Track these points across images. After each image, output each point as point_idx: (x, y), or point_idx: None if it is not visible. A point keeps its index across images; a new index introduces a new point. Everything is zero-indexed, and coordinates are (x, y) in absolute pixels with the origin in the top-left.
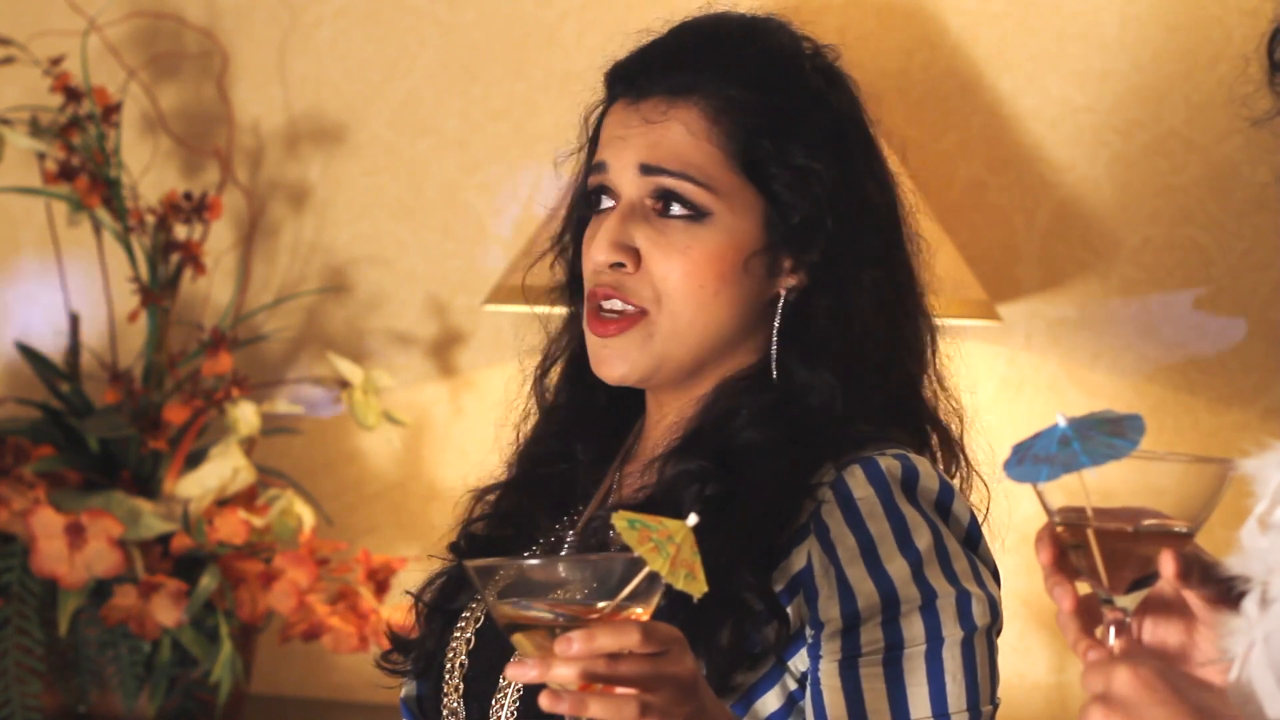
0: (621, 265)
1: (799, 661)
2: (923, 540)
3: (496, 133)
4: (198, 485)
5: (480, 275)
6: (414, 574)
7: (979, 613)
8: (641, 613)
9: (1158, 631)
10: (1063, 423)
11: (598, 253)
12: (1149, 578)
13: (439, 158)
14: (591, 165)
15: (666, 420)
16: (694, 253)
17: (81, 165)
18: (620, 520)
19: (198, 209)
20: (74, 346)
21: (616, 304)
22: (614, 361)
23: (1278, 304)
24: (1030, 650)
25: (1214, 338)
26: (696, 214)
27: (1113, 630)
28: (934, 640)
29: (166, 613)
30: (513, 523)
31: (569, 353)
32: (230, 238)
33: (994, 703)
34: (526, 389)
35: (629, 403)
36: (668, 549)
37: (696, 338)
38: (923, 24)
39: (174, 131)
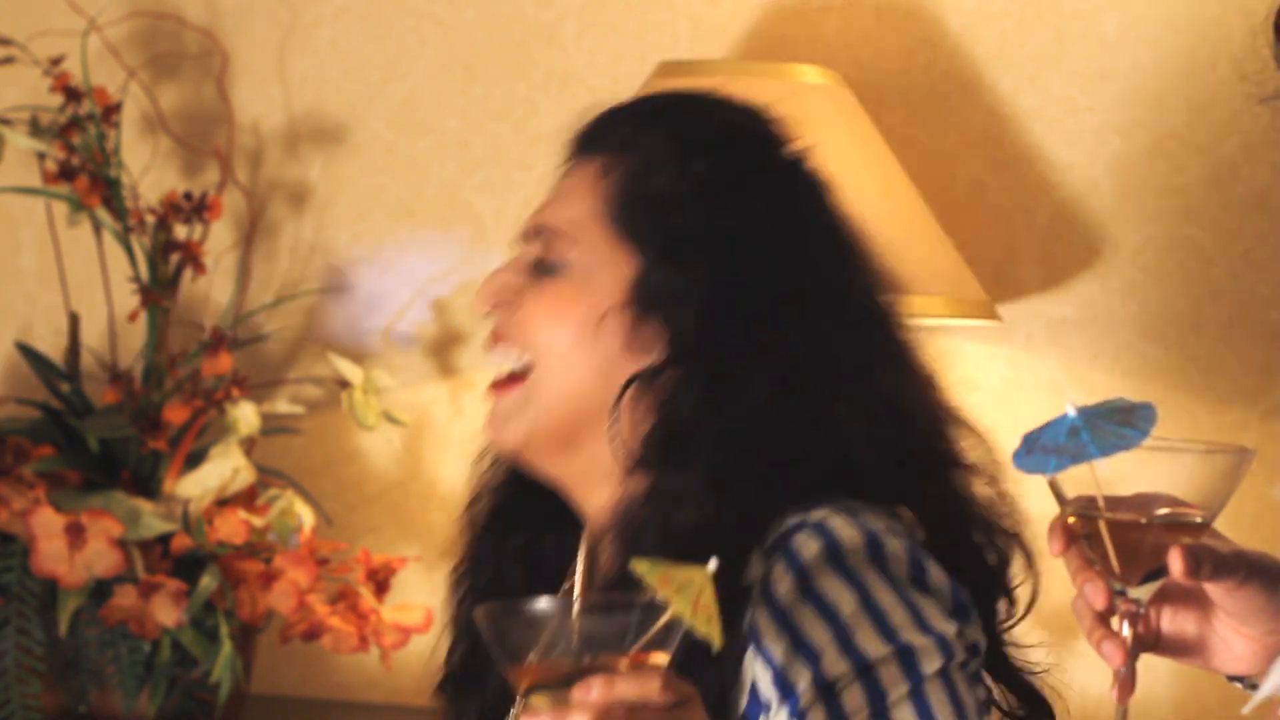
0: (495, 313)
1: None
2: (847, 606)
3: (496, 133)
4: (198, 485)
5: (480, 275)
6: (414, 574)
7: (927, 659)
8: (658, 661)
9: (1176, 620)
10: (1072, 412)
11: (476, 300)
12: (1163, 569)
13: (439, 158)
14: None
15: (592, 504)
16: (545, 301)
17: (81, 165)
18: (641, 565)
19: (198, 209)
20: (74, 346)
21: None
22: (494, 425)
23: (1278, 304)
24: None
25: (1214, 338)
26: (555, 265)
27: (1126, 622)
28: (878, 703)
29: (166, 613)
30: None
31: None
32: (230, 238)
33: None
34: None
35: None
36: (690, 593)
37: (561, 401)
38: (923, 24)
39: (174, 131)
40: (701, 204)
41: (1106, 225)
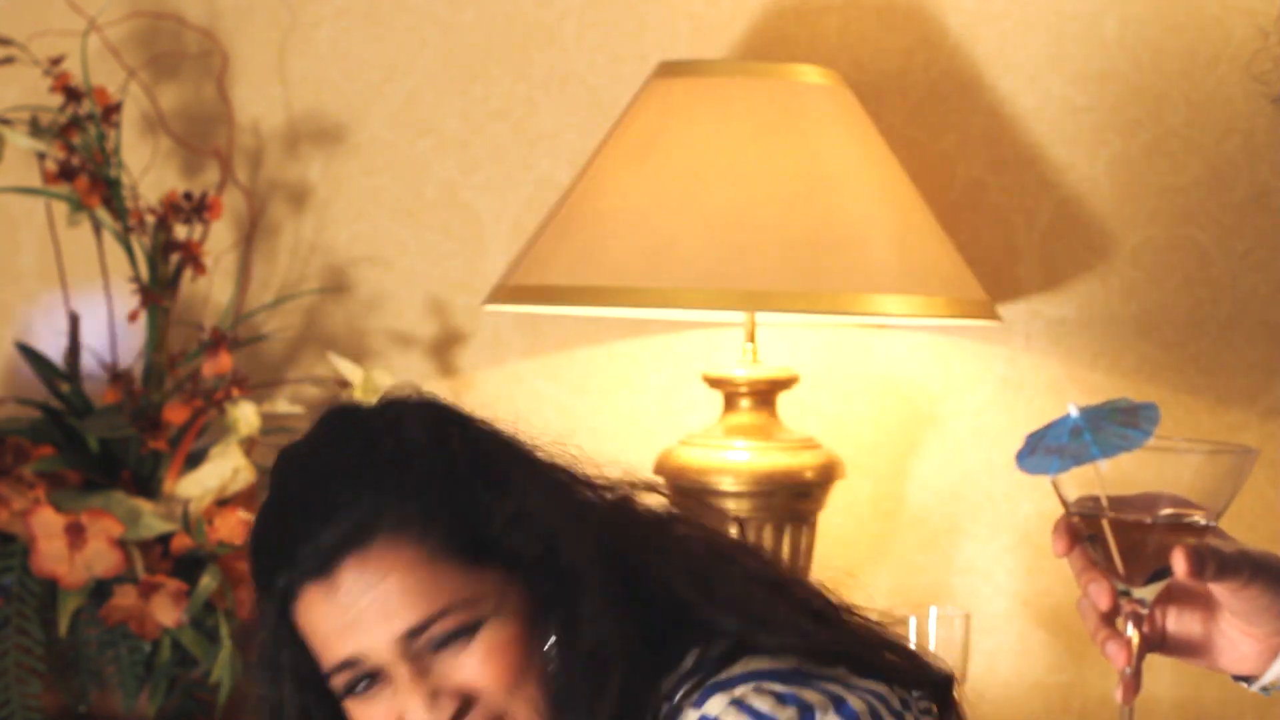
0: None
1: None
2: None
3: (496, 133)
4: (198, 485)
5: (480, 275)
6: None
7: None
8: None
9: (1182, 621)
10: (1075, 413)
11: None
12: (1168, 569)
13: (439, 158)
14: (335, 667)
15: None
16: (491, 661)
17: (81, 165)
18: None
19: (198, 209)
20: (74, 346)
21: None
22: None
23: (1278, 304)
24: (1030, 650)
25: (1214, 338)
26: (468, 630)
27: (1130, 623)
28: None
29: (166, 613)
30: None
31: None
32: (230, 238)
33: None
34: None
35: None
36: None
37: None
38: (923, 24)
39: (174, 131)
40: (486, 488)
41: (1106, 225)
